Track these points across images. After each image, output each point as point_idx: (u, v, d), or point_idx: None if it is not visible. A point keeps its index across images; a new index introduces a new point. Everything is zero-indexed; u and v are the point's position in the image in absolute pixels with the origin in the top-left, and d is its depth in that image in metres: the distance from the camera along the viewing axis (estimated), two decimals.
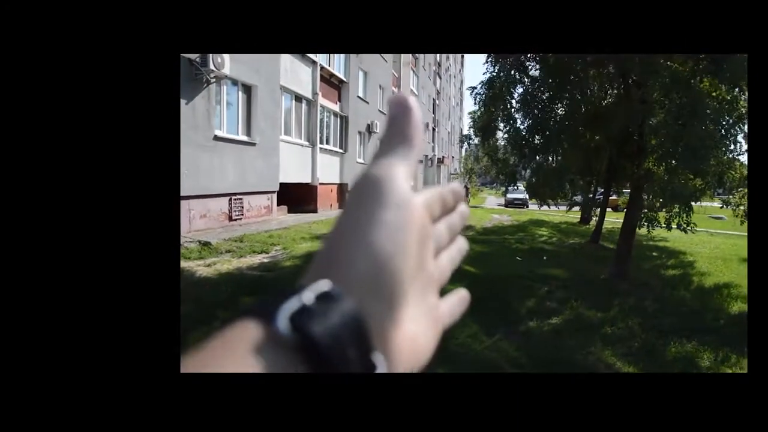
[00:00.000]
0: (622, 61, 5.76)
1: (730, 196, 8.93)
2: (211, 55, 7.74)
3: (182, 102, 7.51)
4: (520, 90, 7.62)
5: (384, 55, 18.70)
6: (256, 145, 9.92)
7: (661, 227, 6.52)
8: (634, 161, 6.65)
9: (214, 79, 8.24)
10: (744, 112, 5.71)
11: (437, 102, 37.38)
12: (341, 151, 15.19)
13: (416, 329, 0.26)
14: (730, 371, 3.81)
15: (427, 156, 32.73)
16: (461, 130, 59.22)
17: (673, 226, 6.40)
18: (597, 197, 11.01)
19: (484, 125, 8.28)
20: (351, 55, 14.90)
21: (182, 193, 7.20)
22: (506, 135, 8.18)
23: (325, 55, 13.49)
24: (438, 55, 36.13)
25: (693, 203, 6.10)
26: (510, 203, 24.38)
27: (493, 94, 7.57)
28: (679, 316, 5.15)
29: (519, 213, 19.65)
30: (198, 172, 7.92)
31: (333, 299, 0.22)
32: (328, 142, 14.17)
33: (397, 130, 0.29)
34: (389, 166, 0.27)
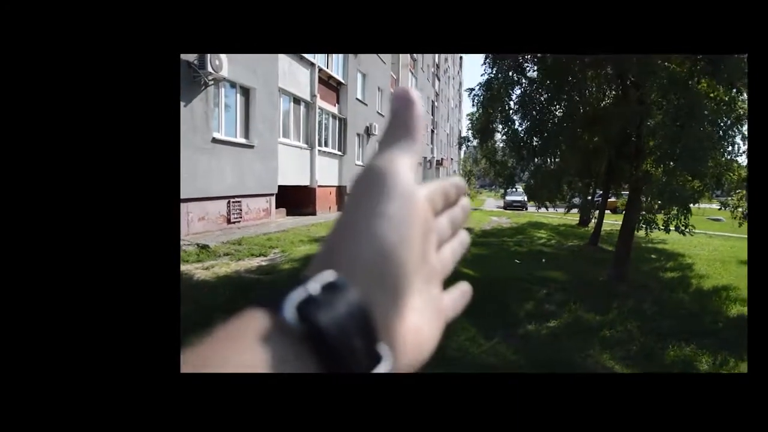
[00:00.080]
0: (619, 63, 5.77)
1: (729, 198, 8.96)
2: (209, 57, 7.74)
3: (180, 104, 7.51)
4: (518, 91, 7.63)
5: (382, 57, 18.73)
6: (254, 148, 9.92)
7: (659, 229, 6.52)
8: (633, 163, 6.66)
9: (212, 82, 8.24)
10: (742, 113, 5.73)
11: (436, 104, 37.46)
12: (340, 153, 15.20)
13: (420, 321, 0.26)
14: None
15: (425, 158, 32.78)
16: (460, 132, 59.32)
17: (671, 228, 6.40)
18: (596, 199, 11.02)
19: (482, 127, 8.28)
20: (349, 56, 14.92)
21: (180, 196, 7.20)
22: (504, 137, 8.18)
23: (324, 57, 13.50)
24: (436, 56, 36.22)
25: (691, 205, 6.11)
26: (509, 205, 24.37)
27: (491, 96, 7.58)
28: (678, 319, 5.15)
29: (518, 215, 19.65)
30: (196, 175, 7.91)
31: (338, 289, 0.22)
32: (326, 145, 14.18)
33: (400, 123, 0.29)
34: (393, 159, 0.27)
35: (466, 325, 4.15)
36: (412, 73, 25.40)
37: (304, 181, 12.88)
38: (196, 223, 8.24)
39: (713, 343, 4.37)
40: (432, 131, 35.34)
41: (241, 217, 9.58)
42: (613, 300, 5.66)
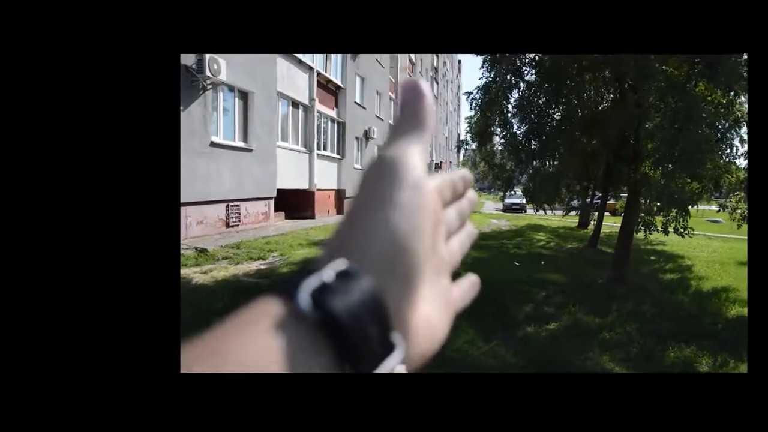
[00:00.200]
0: (617, 66, 5.78)
1: (727, 200, 8.97)
2: (207, 61, 7.75)
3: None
4: (517, 95, 7.63)
5: (381, 61, 18.77)
6: (252, 152, 9.93)
7: (658, 231, 6.53)
8: (631, 165, 6.66)
9: (210, 86, 8.25)
10: (740, 116, 5.74)
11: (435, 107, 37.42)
12: (338, 157, 15.21)
13: (431, 311, 0.26)
14: None
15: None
16: (459, 135, 59.43)
17: (670, 230, 6.41)
18: (594, 201, 11.03)
19: (480, 130, 8.29)
20: (348, 60, 14.95)
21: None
22: (503, 140, 8.19)
23: (322, 61, 13.53)
24: (435, 60, 36.30)
25: (690, 207, 6.11)
26: (508, 208, 24.38)
27: (489, 99, 7.58)
28: (677, 321, 5.14)
29: (517, 218, 19.67)
30: (195, 179, 7.91)
31: (352, 277, 0.22)
32: (325, 148, 14.19)
33: (410, 114, 0.29)
34: (403, 149, 0.27)
35: (465, 328, 4.14)
36: (410, 76, 25.46)
37: (303, 185, 12.89)
38: (195, 226, 8.23)
39: (713, 345, 4.37)
40: None
41: (239, 221, 9.57)
42: (613, 302, 5.66)
